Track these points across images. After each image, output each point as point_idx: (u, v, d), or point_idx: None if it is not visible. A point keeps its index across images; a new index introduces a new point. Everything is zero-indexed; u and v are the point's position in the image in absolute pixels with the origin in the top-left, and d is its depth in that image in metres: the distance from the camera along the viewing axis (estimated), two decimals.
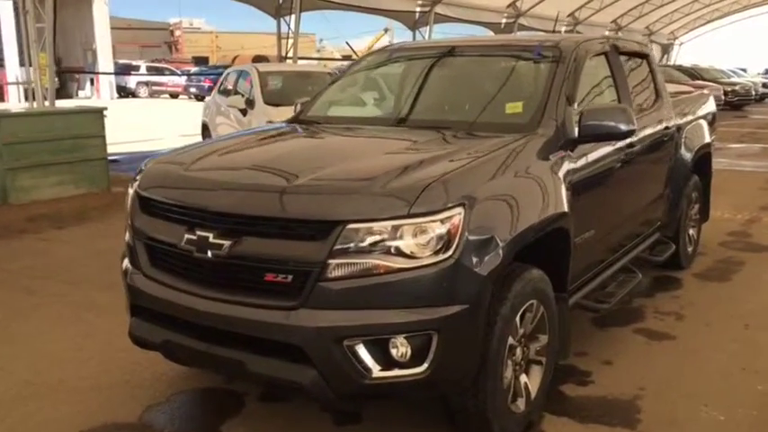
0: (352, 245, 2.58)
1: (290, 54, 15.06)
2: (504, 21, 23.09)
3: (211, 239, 2.74)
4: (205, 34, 64.04)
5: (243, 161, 3.26)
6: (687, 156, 5.40)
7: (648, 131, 4.65)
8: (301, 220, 2.66)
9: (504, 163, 3.04)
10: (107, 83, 33.76)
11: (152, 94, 36.46)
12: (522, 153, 3.20)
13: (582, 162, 3.62)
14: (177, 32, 64.75)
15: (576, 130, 3.53)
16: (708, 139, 5.93)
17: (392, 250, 2.60)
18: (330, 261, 2.58)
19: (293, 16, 14.54)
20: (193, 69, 39.18)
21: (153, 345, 3.04)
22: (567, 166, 3.43)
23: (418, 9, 18.51)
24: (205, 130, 11.36)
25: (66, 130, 8.91)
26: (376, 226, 2.59)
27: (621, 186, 4.23)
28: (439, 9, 18.73)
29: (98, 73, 32.92)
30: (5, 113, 8.70)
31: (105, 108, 9.44)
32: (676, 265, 5.65)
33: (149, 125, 19.40)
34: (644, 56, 5.04)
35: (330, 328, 2.56)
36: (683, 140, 5.34)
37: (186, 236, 2.83)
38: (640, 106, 4.71)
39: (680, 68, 25.60)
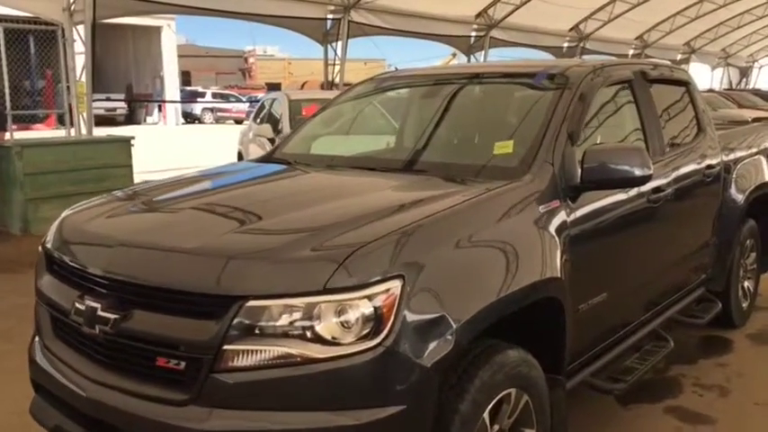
0: (254, 327, 2.05)
1: (336, 80, 14.75)
2: (566, 45, 22.25)
3: (99, 312, 2.26)
4: (278, 61, 65.37)
5: (159, 212, 2.79)
6: (739, 197, 4.63)
7: (686, 171, 3.95)
8: (191, 292, 2.14)
9: (469, 220, 2.46)
10: (173, 109, 34.45)
11: (217, 120, 37.00)
12: (496, 206, 2.61)
13: (587, 212, 2.99)
14: (251, 60, 66.47)
15: (579, 174, 2.91)
16: None
17: (307, 335, 2.05)
18: (226, 347, 2.05)
19: (340, 42, 14.25)
20: (259, 95, 39.64)
21: (47, 428, 2.56)
22: (563, 218, 2.81)
23: (473, 34, 17.93)
24: (240, 158, 11.09)
25: (92, 159, 8.75)
26: (285, 303, 2.05)
27: (647, 238, 3.56)
28: (495, 33, 18.11)
29: (163, 101, 33.66)
30: (28, 143, 8.59)
31: (133, 137, 9.26)
32: (727, 324, 4.87)
33: (201, 151, 19.44)
34: (683, 83, 4.34)
35: None
36: (733, 180, 4.59)
37: (76, 305, 2.35)
38: (675, 142, 4.03)
39: (757, 93, 24.20)
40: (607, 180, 2.90)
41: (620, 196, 3.21)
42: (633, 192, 3.32)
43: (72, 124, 10.42)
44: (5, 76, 10.76)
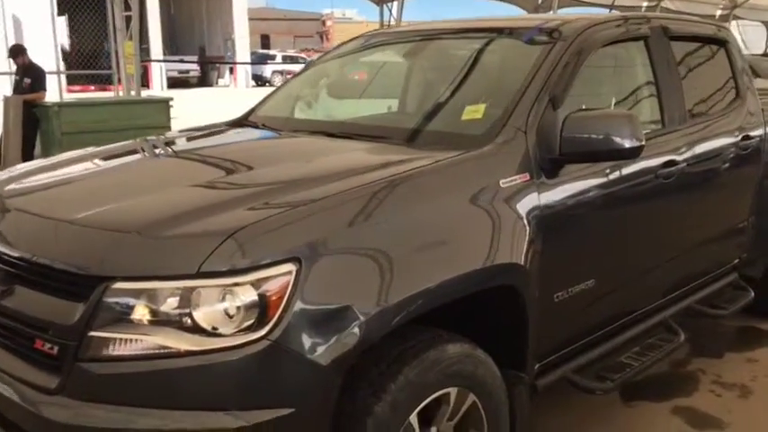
0: (122, 312, 1.80)
1: None
2: (645, 4, 20.95)
3: None
4: (355, 24, 65.21)
5: (72, 180, 2.57)
6: None
7: (713, 143, 3.46)
8: (59, 269, 1.91)
9: (397, 195, 2.13)
10: (243, 71, 34.72)
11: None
12: (437, 179, 2.26)
13: (570, 188, 2.60)
14: (328, 23, 66.55)
15: (558, 144, 2.52)
16: None
17: (183, 324, 1.79)
18: (91, 333, 1.81)
19: (395, 3, 13.80)
20: None
21: None
22: (532, 195, 2.44)
23: None
24: None
25: (130, 119, 8.73)
26: (156, 287, 1.79)
27: (653, 219, 3.12)
28: None
29: (234, 63, 33.96)
30: (66, 103, 8.65)
31: (171, 98, 9.20)
32: None
33: None
34: (720, 42, 3.79)
35: (79, 429, 1.80)
36: None
37: None
38: (702, 110, 3.53)
39: None
40: (589, 152, 2.50)
41: (617, 171, 2.78)
42: (635, 165, 2.89)
43: (120, 83, 10.46)
44: (57, 36, 10.93)
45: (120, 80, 10.49)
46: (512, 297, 2.34)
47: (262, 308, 1.78)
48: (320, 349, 1.82)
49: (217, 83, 35.53)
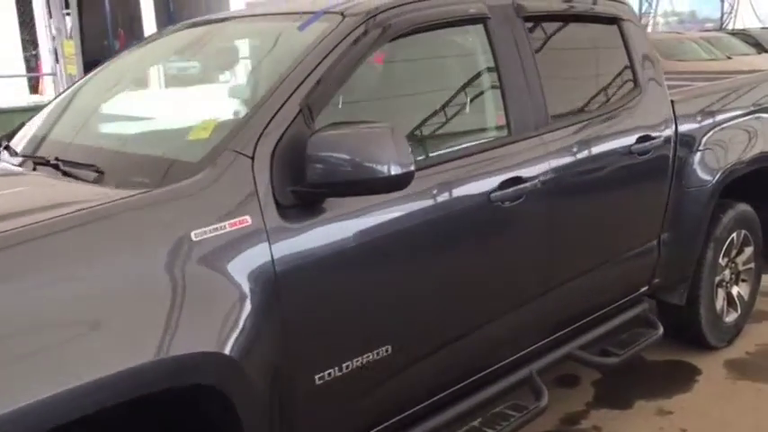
0: None
1: None
2: None
3: None
4: None
5: None
6: (709, 177, 3.32)
7: (588, 151, 2.74)
8: None
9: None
10: None
11: None
12: (87, 234, 1.59)
13: (334, 230, 1.92)
14: None
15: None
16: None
17: None
18: None
19: None
20: None
21: None
22: (259, 247, 1.76)
23: None
24: None
25: None
26: None
27: (494, 254, 2.42)
28: None
29: None
30: None
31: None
32: (702, 344, 3.62)
33: None
34: (610, 19, 3.05)
35: None
36: (700, 153, 3.29)
37: None
38: (574, 108, 2.82)
39: (743, 35, 16.42)
40: (338, 183, 1.80)
41: (414, 201, 2.09)
42: (456, 190, 2.21)
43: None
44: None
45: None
46: (216, 397, 1.67)
47: None
48: None
49: None
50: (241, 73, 2.35)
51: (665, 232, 3.24)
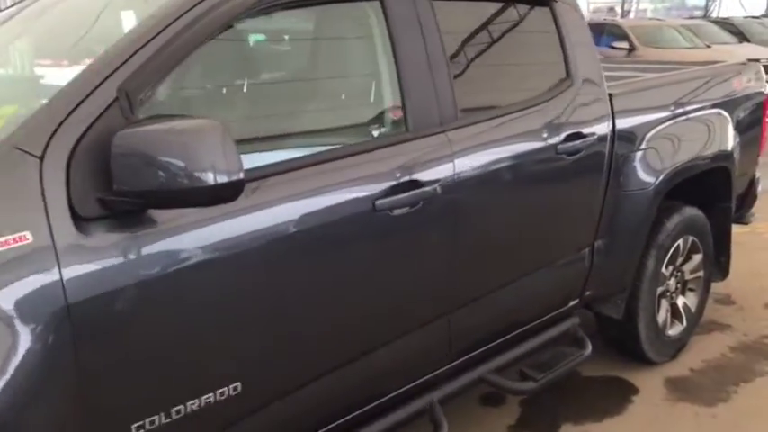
0: None
1: None
2: None
3: None
4: None
5: None
6: (652, 178, 3.00)
7: (502, 151, 2.40)
8: None
9: None
10: None
11: None
12: None
13: (158, 244, 1.58)
14: None
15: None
16: (725, 143, 3.43)
17: None
18: None
19: None
20: None
21: None
22: (45, 273, 1.41)
23: None
24: None
25: None
26: None
27: (383, 267, 2.09)
28: None
29: None
30: None
31: None
32: (641, 357, 3.33)
33: None
34: (541, 1, 2.70)
35: None
36: (639, 153, 2.97)
37: None
38: (488, 102, 2.48)
39: (725, 23, 15.92)
40: (149, 192, 1.45)
41: (270, 211, 1.75)
42: (327, 197, 1.87)
43: None
44: None
45: None
46: None
47: None
48: None
49: None
50: (66, 49, 1.98)
51: (599, 239, 2.93)
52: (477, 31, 2.47)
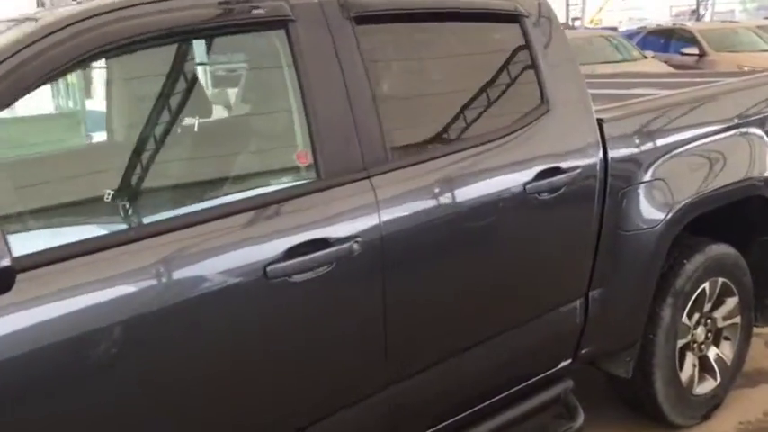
0: None
1: None
2: None
3: None
4: None
5: None
6: (657, 215, 2.55)
7: (462, 192, 2.05)
8: None
9: None
10: None
11: None
12: None
13: None
14: None
15: None
16: (761, 167, 2.92)
17: None
18: None
19: None
20: None
21: None
22: None
23: None
24: None
25: None
26: None
27: (260, 349, 1.77)
28: None
29: None
30: None
31: None
32: (661, 419, 2.86)
33: None
34: (507, 17, 2.32)
35: None
36: (641, 187, 2.53)
37: None
38: (433, 137, 2.13)
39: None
40: None
41: (130, 284, 1.47)
42: (207, 264, 1.57)
43: None
44: None
45: None
46: None
47: None
48: None
49: None
50: None
51: (595, 289, 2.50)
52: (420, 57, 2.13)
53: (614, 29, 19.23)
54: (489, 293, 2.18)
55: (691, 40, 11.97)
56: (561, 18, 21.66)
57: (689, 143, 2.67)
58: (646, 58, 10.98)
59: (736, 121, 2.88)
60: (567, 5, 20.98)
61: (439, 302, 2.03)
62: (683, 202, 2.60)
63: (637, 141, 2.52)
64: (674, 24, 13.97)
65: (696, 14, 21.25)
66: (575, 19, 27.08)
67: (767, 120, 3.04)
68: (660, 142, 2.58)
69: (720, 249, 2.86)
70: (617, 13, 34.27)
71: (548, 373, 2.46)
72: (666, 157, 2.58)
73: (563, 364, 2.49)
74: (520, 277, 2.26)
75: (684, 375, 2.84)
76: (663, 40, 12.85)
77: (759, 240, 3.06)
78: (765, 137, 2.98)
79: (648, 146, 2.55)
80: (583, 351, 2.53)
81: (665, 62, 11.22)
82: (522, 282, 2.27)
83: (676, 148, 2.63)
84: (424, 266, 1.96)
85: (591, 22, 29.75)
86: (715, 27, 13.37)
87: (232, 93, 1.85)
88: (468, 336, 2.16)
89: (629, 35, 13.59)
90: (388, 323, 1.91)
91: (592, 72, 7.01)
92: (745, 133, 2.93)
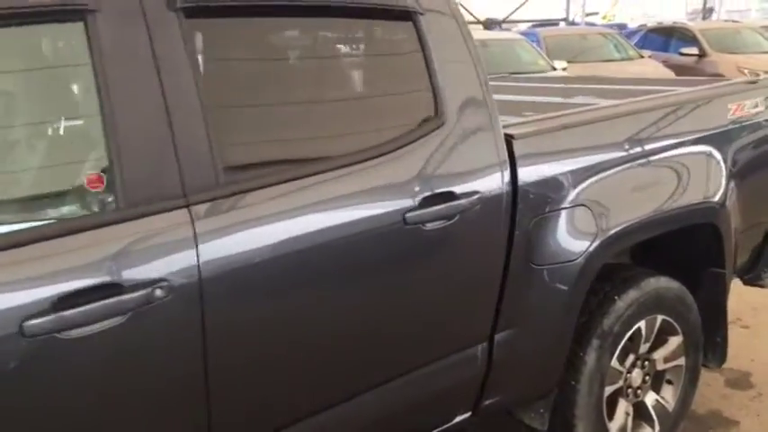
0: None
1: None
2: None
3: None
4: None
5: None
6: (577, 246, 2.20)
7: (315, 222, 1.70)
8: None
9: None
10: None
11: None
12: None
13: None
14: None
15: None
16: (711, 191, 2.57)
17: None
18: None
19: None
20: None
21: None
22: None
23: None
24: None
25: None
26: None
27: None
28: None
29: None
30: None
31: None
32: None
33: None
34: (395, 14, 1.96)
35: None
36: (560, 214, 2.17)
37: None
38: (288, 155, 1.78)
39: None
40: None
41: None
42: None
43: None
44: None
45: None
46: None
47: None
48: None
49: None
50: None
51: (501, 331, 2.16)
52: (276, 59, 1.78)
53: (624, 26, 18.77)
54: (359, 343, 1.84)
55: (691, 39, 11.53)
56: (561, 13, 21.12)
57: (621, 163, 2.32)
58: (642, 57, 10.56)
59: (681, 138, 2.52)
60: (568, 1, 20.51)
61: (272, 353, 1.68)
62: (610, 232, 2.24)
63: (554, 161, 2.17)
64: (674, 23, 13.49)
65: (703, 12, 20.65)
66: (590, 14, 26.57)
67: (725, 136, 2.69)
68: (584, 162, 2.23)
69: (660, 283, 2.51)
70: (633, 8, 33.63)
71: (443, 428, 2.12)
72: (592, 179, 2.23)
73: (460, 417, 2.15)
74: (399, 322, 1.91)
75: (615, 425, 2.50)
76: (663, 38, 12.41)
77: (710, 272, 2.70)
78: (720, 156, 2.63)
79: (568, 167, 2.19)
80: (486, 402, 2.19)
81: (663, 62, 10.79)
82: (402, 327, 1.92)
83: (604, 169, 2.27)
84: (260, 316, 1.63)
85: (604, 18, 29.19)
86: (717, 26, 12.91)
87: (9, 98, 1.50)
88: (329, 393, 1.82)
89: (629, 33, 13.16)
90: (208, 381, 1.57)
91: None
92: (697, 152, 2.57)
